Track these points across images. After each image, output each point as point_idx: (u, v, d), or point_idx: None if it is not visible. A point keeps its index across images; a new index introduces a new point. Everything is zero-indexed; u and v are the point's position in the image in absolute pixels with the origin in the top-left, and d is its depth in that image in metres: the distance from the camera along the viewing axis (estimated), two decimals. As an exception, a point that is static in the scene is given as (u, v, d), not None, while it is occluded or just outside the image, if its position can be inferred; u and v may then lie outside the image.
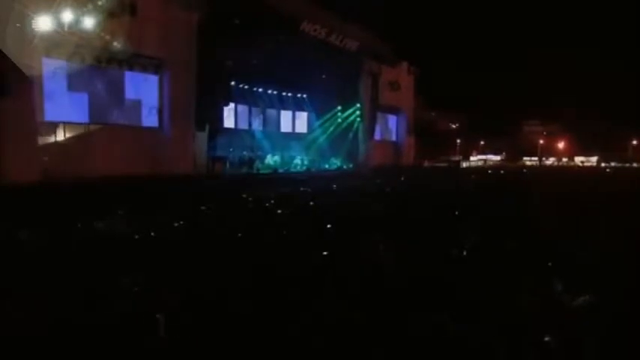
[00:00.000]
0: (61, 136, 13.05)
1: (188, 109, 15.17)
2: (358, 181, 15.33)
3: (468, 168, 36.36)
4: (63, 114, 13.16)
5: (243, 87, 20.86)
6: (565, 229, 5.96)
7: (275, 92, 22.62)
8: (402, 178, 18.02)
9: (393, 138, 28.39)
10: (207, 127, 15.82)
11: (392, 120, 28.15)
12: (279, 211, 7.86)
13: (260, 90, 21.92)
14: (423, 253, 4.85)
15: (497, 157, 45.79)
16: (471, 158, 44.03)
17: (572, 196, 11.52)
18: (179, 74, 15.03)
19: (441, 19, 43.97)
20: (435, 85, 43.79)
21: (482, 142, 48.80)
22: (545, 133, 51.68)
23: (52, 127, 12.85)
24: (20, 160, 11.45)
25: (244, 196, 10.14)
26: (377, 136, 25.99)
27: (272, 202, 9.14)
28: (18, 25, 10.89)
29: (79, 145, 13.29)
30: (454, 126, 59.72)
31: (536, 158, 45.13)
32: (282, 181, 15.04)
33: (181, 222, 6.71)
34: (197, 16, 14.78)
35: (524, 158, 44.08)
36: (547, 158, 45.35)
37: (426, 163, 34.00)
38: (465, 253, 4.92)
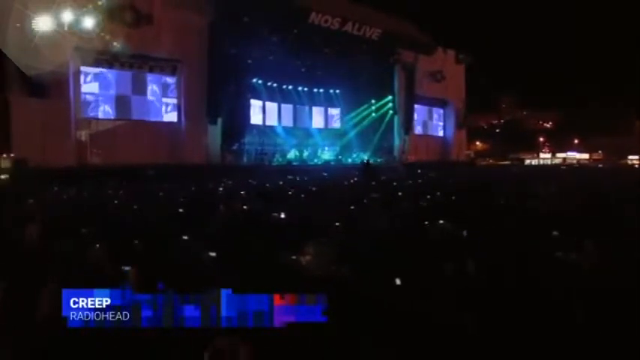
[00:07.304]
0: (93, 129, 15.54)
1: (202, 105, 16.61)
2: (356, 174, 14.76)
3: (531, 166, 31.61)
4: (95, 111, 15.69)
5: (271, 85, 21.79)
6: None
7: (305, 89, 23.04)
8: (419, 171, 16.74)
9: (439, 132, 26.41)
10: (219, 122, 17.03)
11: (437, 113, 26.25)
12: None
13: (290, 87, 22.59)
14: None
15: (584, 155, 38.78)
16: (541, 156, 38.23)
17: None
18: (193, 74, 16.58)
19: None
20: (531, 82, 39.27)
21: (576, 141, 42.14)
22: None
23: (86, 122, 15.40)
24: (60, 150, 14.04)
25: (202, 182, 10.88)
26: (417, 131, 24.56)
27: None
28: (57, 40, 13.45)
29: (107, 137, 15.65)
30: (548, 125, 52.94)
31: (646, 157, 36.89)
32: (270, 172, 15.46)
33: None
34: (207, 19, 16.14)
35: (630, 157, 36.39)
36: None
37: (487, 161, 30.68)
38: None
